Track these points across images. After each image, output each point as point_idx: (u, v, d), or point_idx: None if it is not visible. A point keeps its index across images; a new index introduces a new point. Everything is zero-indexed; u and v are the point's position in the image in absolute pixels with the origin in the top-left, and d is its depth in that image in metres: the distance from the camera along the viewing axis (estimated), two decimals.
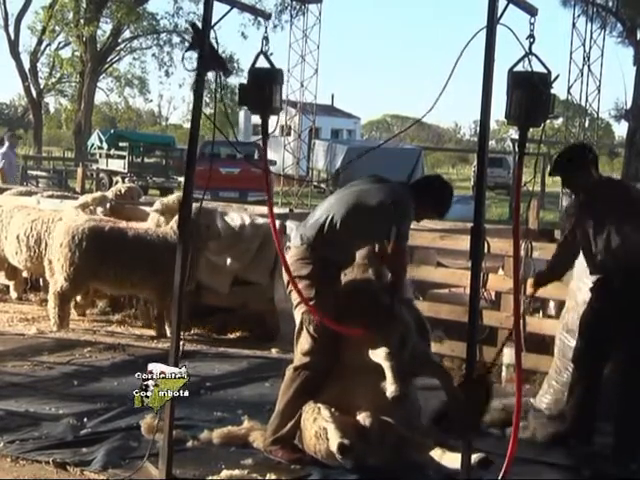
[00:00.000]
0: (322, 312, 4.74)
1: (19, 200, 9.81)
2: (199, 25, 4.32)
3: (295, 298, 4.88)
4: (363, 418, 4.69)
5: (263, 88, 4.46)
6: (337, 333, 4.81)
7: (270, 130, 4.60)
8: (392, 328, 4.79)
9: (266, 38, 4.45)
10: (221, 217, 8.23)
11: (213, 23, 4.36)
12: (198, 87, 4.38)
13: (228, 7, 4.47)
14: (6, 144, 15.74)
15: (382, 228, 4.82)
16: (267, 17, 5.25)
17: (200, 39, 4.27)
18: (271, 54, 4.47)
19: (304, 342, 4.87)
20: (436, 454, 4.55)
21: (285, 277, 4.93)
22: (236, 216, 8.37)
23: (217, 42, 4.32)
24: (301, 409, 4.83)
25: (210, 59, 4.30)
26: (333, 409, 4.69)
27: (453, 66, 3.98)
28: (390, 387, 4.55)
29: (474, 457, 4.09)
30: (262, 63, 4.52)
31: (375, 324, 4.78)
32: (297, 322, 4.92)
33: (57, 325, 7.93)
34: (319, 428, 4.63)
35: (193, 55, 4.43)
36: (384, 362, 4.63)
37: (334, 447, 4.49)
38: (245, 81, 4.55)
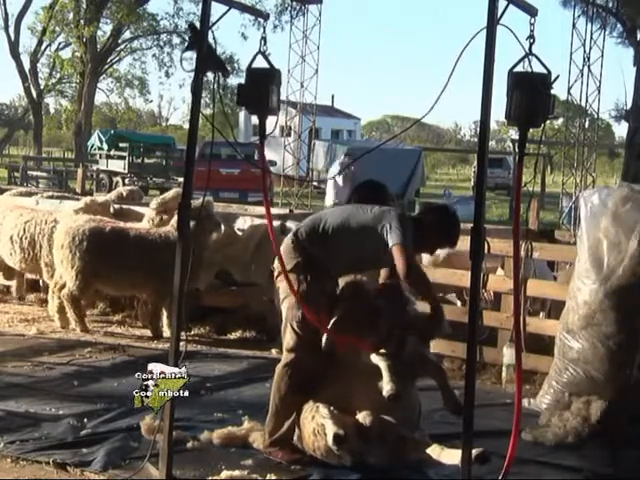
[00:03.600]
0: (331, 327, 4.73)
1: (16, 201, 9.79)
2: (197, 26, 4.32)
3: (282, 293, 4.88)
4: (363, 417, 4.69)
5: (259, 88, 4.46)
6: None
7: (268, 130, 4.60)
8: (390, 330, 4.80)
9: (264, 38, 4.45)
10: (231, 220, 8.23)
11: (211, 23, 4.36)
12: (196, 88, 4.38)
13: (226, 7, 4.48)
14: (340, 160, 16.15)
15: (373, 248, 4.81)
16: (265, 17, 5.25)
17: (198, 39, 4.27)
18: (269, 54, 4.48)
19: (289, 339, 4.88)
20: (434, 451, 4.56)
21: (275, 273, 4.94)
22: (240, 219, 8.39)
23: (215, 42, 4.33)
24: (295, 408, 4.83)
25: (208, 60, 4.30)
26: (332, 408, 4.69)
27: (453, 66, 3.99)
28: (386, 386, 4.56)
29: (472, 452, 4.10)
30: (263, 63, 4.52)
31: (373, 326, 4.79)
32: (283, 318, 4.92)
33: (79, 325, 7.95)
34: (317, 425, 4.64)
35: (192, 56, 4.43)
36: (381, 362, 4.64)
37: (329, 438, 4.49)
38: (243, 81, 4.55)
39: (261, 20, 5.61)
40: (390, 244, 4.68)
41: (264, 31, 4.51)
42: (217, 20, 4.44)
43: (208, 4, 4.33)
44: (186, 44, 4.43)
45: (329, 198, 16.71)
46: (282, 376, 4.87)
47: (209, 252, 7.95)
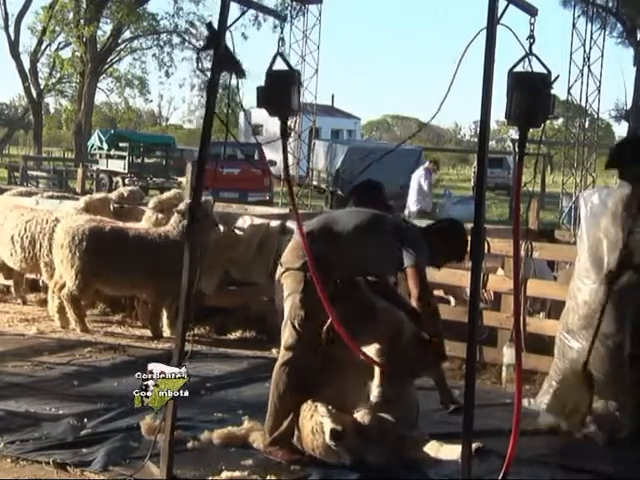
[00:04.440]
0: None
1: (15, 201, 9.78)
2: (215, 26, 4.31)
3: (286, 290, 4.87)
4: (361, 416, 4.69)
5: (281, 90, 4.47)
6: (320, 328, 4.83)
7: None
8: (385, 327, 4.81)
9: (282, 39, 4.46)
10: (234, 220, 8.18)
11: (229, 24, 4.35)
12: (211, 88, 4.37)
13: (240, 8, 4.47)
14: (425, 165, 16.82)
15: (385, 259, 4.85)
16: (283, 19, 5.23)
17: (215, 40, 4.26)
18: (287, 55, 4.48)
19: (288, 336, 4.85)
20: (433, 448, 4.56)
21: (278, 273, 4.92)
22: (240, 219, 8.37)
23: (233, 43, 4.32)
24: (294, 406, 4.82)
25: (225, 60, 4.29)
26: (330, 407, 4.69)
27: (455, 70, 3.99)
28: (374, 390, 4.58)
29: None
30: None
31: (369, 324, 4.80)
32: (285, 315, 4.91)
33: (79, 325, 7.96)
34: (315, 423, 4.64)
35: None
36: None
37: (327, 434, 4.49)
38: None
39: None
40: (406, 264, 4.76)
41: (282, 32, 4.52)
42: (235, 20, 4.43)
43: (227, 4, 4.32)
44: (204, 44, 4.42)
45: (411, 201, 16.55)
46: (280, 375, 4.87)
47: (212, 256, 7.93)
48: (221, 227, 7.99)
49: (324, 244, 4.81)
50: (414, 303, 4.80)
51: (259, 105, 4.56)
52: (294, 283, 4.81)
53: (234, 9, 4.45)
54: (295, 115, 4.61)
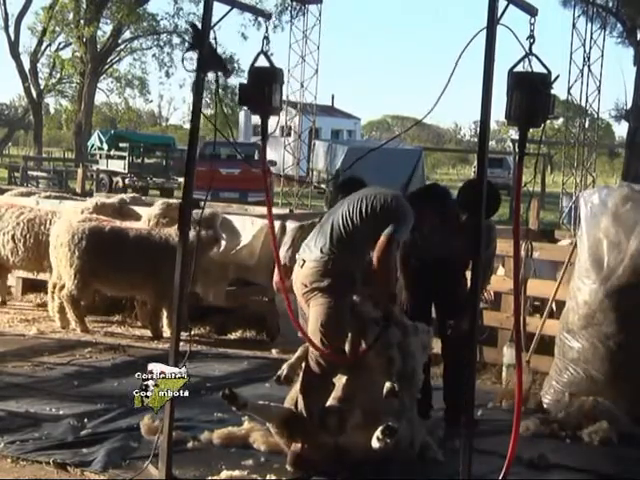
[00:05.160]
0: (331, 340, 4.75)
1: (14, 201, 9.75)
2: (199, 26, 4.32)
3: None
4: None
5: (263, 88, 4.47)
6: None
7: (270, 130, 4.61)
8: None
9: (266, 38, 4.47)
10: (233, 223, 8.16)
11: (213, 24, 4.36)
12: (198, 88, 4.38)
13: (228, 7, 4.48)
14: None
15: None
16: (267, 17, 5.24)
17: (200, 40, 4.27)
18: (271, 54, 4.49)
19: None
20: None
21: (297, 288, 4.90)
22: (239, 219, 8.35)
23: (217, 43, 4.34)
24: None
25: (210, 60, 4.31)
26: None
27: (453, 68, 4.00)
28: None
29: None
30: (264, 63, 4.53)
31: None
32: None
33: (79, 325, 7.96)
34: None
35: (193, 55, 4.44)
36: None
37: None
38: (245, 81, 4.57)
39: (261, 20, 5.66)
40: (384, 235, 4.69)
41: (267, 30, 4.52)
42: (219, 20, 4.45)
43: (210, 4, 4.33)
44: (188, 44, 4.44)
45: None
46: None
47: (219, 267, 7.91)
48: (222, 242, 7.90)
49: (341, 246, 4.79)
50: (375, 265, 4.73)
51: (240, 103, 4.59)
52: (323, 300, 4.75)
53: (223, 9, 4.47)
54: (277, 114, 4.60)
